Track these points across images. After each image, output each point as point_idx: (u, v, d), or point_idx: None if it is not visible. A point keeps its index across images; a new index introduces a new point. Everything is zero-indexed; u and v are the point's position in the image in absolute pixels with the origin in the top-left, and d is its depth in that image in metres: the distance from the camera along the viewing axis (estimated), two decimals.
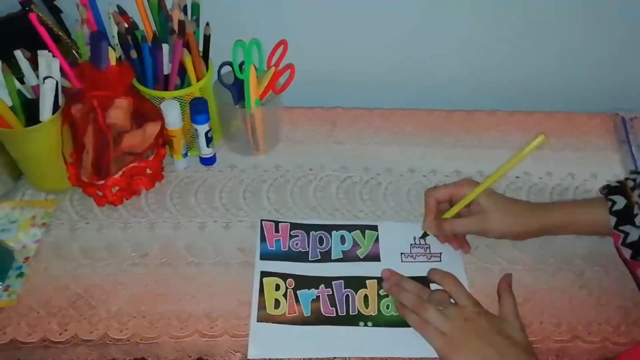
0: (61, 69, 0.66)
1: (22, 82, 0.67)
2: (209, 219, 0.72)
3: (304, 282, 0.65)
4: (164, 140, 0.73)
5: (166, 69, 0.72)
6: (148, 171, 0.73)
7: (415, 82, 0.93)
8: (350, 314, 0.62)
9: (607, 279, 0.68)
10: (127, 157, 0.70)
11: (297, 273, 0.65)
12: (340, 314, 0.62)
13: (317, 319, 0.62)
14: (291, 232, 0.70)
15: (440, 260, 0.68)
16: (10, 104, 0.65)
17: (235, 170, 0.79)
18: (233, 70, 0.75)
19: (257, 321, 0.61)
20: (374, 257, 0.68)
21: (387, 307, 0.63)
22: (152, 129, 0.71)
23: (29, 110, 0.66)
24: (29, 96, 0.67)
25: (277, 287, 0.64)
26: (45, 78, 0.64)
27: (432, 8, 0.84)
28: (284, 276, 0.65)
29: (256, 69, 0.73)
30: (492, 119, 0.89)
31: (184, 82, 0.75)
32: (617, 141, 0.86)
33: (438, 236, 0.69)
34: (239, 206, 0.74)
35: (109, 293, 0.64)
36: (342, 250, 0.68)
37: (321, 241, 0.69)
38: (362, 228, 0.71)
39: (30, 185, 0.75)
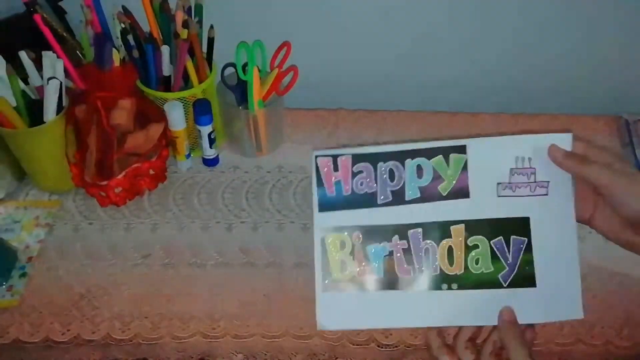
0: (65, 70, 0.66)
1: (26, 82, 0.67)
2: (212, 220, 0.73)
3: (373, 233, 0.53)
4: (167, 141, 0.73)
5: (167, 70, 0.72)
6: (151, 172, 0.73)
7: (419, 83, 0.93)
8: (432, 274, 0.52)
9: (610, 282, 0.68)
10: (131, 158, 0.70)
11: (364, 223, 0.54)
12: (418, 275, 0.52)
13: (392, 283, 0.52)
14: (353, 168, 0.55)
15: (547, 194, 0.51)
16: (14, 104, 0.65)
17: (238, 171, 0.80)
18: (236, 71, 0.75)
19: (323, 291, 0.52)
20: (461, 192, 0.52)
21: (477, 262, 0.51)
22: (156, 129, 0.71)
23: (33, 111, 0.67)
24: (33, 97, 0.68)
25: (343, 245, 0.53)
26: (49, 79, 0.64)
27: (435, 10, 0.84)
28: (349, 229, 0.54)
29: (259, 70, 0.73)
30: (496, 121, 0.88)
31: (187, 83, 0.75)
32: (621, 143, 0.85)
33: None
34: (242, 207, 0.74)
35: (112, 293, 0.64)
36: (418, 187, 0.53)
37: (392, 176, 0.54)
38: (446, 151, 0.52)
39: (34, 186, 0.76)
